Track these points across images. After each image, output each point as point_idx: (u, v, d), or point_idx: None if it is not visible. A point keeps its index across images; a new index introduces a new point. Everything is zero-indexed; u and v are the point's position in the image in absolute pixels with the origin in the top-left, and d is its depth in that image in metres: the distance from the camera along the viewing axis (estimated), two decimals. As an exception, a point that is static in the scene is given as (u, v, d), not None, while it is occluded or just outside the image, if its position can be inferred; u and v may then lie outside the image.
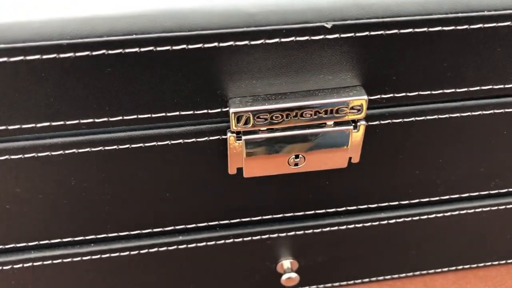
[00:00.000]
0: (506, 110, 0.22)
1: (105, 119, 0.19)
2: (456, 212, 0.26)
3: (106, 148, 0.21)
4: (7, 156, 0.20)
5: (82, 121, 0.19)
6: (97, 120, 0.19)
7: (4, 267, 0.23)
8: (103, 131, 0.20)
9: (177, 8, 0.18)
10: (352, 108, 0.20)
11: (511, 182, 0.25)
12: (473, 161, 0.24)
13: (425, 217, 0.26)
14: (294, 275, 0.27)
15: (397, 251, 0.27)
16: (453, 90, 0.21)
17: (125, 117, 0.19)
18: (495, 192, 0.26)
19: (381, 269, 0.28)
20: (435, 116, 0.22)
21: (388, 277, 0.29)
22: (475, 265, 0.30)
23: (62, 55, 0.17)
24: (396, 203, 0.25)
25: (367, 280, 0.29)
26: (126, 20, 0.18)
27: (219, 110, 0.20)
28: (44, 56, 0.17)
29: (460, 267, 0.29)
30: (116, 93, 0.19)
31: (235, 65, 0.19)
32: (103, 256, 0.24)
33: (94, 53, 0.18)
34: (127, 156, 0.21)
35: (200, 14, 0.18)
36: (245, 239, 0.24)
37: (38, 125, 0.19)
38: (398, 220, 0.26)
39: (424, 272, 0.29)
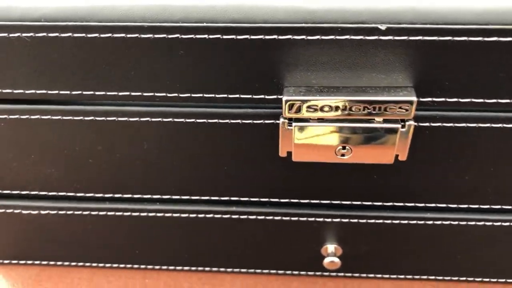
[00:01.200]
0: None
1: (175, 94, 0.22)
2: (507, 224, 0.25)
3: (175, 120, 0.23)
4: (92, 117, 0.23)
5: (156, 94, 0.22)
6: (168, 95, 0.22)
7: (84, 212, 0.27)
8: (174, 105, 0.23)
9: (244, 3, 0.20)
10: (401, 107, 0.21)
11: None
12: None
13: (473, 223, 0.26)
14: (336, 259, 0.28)
15: (442, 253, 0.28)
16: (508, 100, 0.21)
17: (192, 95, 0.22)
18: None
19: (424, 268, 0.29)
20: (488, 125, 0.22)
21: (432, 277, 0.29)
22: (528, 281, 0.29)
23: (142, 36, 0.20)
24: (444, 205, 0.25)
25: (410, 276, 0.30)
26: (199, 9, 0.20)
27: (275, 96, 0.22)
28: (128, 35, 0.20)
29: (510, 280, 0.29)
30: (186, 73, 0.21)
31: (292, 57, 0.20)
32: (166, 215, 0.27)
33: (170, 36, 0.20)
34: (192, 129, 0.23)
35: (264, 9, 0.20)
36: (292, 218, 0.26)
37: (120, 93, 0.22)
38: (444, 222, 0.26)
39: (470, 279, 0.29)
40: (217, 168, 0.25)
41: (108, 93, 0.22)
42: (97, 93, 0.22)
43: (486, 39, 0.19)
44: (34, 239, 0.30)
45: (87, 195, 0.27)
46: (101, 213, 0.27)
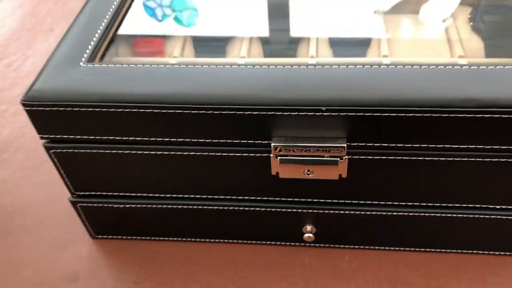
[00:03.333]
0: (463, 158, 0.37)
1: (209, 140, 0.38)
2: (426, 214, 0.42)
3: (210, 154, 0.40)
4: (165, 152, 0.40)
5: (192, 139, 0.39)
6: (200, 140, 0.38)
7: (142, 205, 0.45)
8: (204, 145, 0.39)
9: (248, 93, 0.36)
10: (338, 149, 0.37)
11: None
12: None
13: (395, 213, 0.42)
14: (312, 235, 0.45)
15: (383, 231, 0.44)
16: (400, 144, 0.36)
17: (219, 140, 0.38)
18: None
19: (373, 240, 0.45)
20: (387, 157, 0.37)
21: (382, 248, 0.46)
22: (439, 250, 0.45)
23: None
24: (376, 202, 0.42)
25: (363, 247, 0.46)
26: (219, 97, 0.36)
27: (268, 141, 0.38)
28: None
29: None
30: (212, 130, 0.38)
31: (277, 122, 0.36)
32: (196, 207, 0.44)
33: (201, 112, 0.36)
34: (218, 159, 0.40)
35: (258, 99, 0.36)
36: (278, 210, 0.43)
37: (178, 139, 0.39)
38: (376, 213, 0.42)
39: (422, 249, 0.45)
40: (234, 179, 0.41)
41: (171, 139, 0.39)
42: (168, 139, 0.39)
43: (385, 114, 0.35)
44: (127, 222, 0.47)
45: (161, 195, 0.44)
46: (169, 206, 0.45)
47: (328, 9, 0.52)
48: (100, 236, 0.50)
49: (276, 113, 0.36)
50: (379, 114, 0.35)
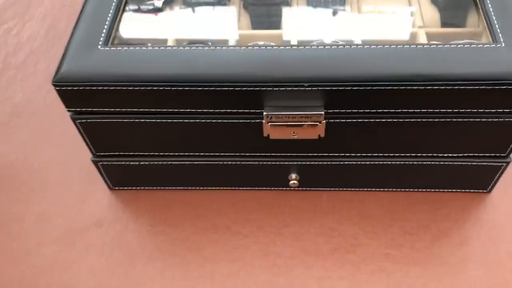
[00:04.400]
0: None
1: (212, 110, 0.47)
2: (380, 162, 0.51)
3: (213, 121, 0.48)
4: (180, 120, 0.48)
5: (198, 110, 0.47)
6: (208, 110, 0.47)
7: (154, 162, 0.53)
8: (211, 115, 0.47)
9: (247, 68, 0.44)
10: (316, 115, 0.45)
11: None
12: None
13: (361, 163, 0.52)
14: (296, 182, 0.54)
15: (354, 175, 0.54)
16: (367, 110, 0.45)
17: (221, 110, 0.47)
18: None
19: (347, 183, 0.55)
20: (354, 120, 0.46)
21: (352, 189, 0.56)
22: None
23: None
24: (347, 154, 0.51)
25: (337, 188, 0.56)
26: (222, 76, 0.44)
27: (261, 110, 0.46)
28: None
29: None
30: (215, 104, 0.46)
31: (268, 95, 0.44)
32: (201, 163, 0.53)
33: (204, 89, 0.44)
34: (221, 125, 0.48)
35: (254, 76, 0.44)
36: (269, 163, 0.52)
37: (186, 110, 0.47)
38: (348, 162, 0.52)
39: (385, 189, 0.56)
40: (233, 140, 0.50)
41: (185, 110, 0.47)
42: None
43: (353, 88, 0.43)
44: (141, 176, 0.56)
45: (171, 154, 0.53)
46: (177, 162, 0.53)
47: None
48: (117, 188, 0.59)
49: (267, 88, 0.44)
50: (349, 88, 0.43)
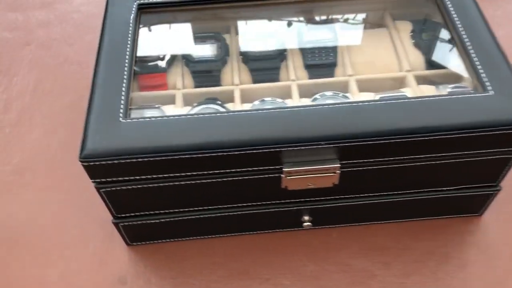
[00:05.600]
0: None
1: (231, 170, 0.49)
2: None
3: (222, 179, 0.51)
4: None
5: (218, 171, 0.50)
6: (225, 171, 0.49)
7: (173, 219, 0.56)
8: (224, 173, 0.50)
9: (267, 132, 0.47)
10: (333, 168, 0.49)
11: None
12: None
13: (374, 201, 0.56)
14: (310, 223, 0.58)
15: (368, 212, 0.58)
16: (377, 159, 0.50)
17: (248, 169, 0.49)
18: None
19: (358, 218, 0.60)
20: (369, 167, 0.51)
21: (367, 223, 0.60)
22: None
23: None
24: (359, 195, 0.55)
25: (348, 224, 0.60)
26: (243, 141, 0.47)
27: (280, 166, 0.49)
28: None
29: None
30: (236, 163, 0.49)
31: (287, 155, 0.48)
32: (218, 214, 0.56)
33: (233, 153, 0.47)
34: (246, 182, 0.51)
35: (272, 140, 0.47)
36: (284, 208, 0.56)
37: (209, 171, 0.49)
38: (364, 202, 0.56)
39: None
40: (251, 192, 0.53)
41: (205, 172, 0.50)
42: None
43: (365, 143, 0.47)
44: (157, 230, 0.58)
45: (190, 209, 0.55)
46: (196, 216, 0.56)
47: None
48: (135, 243, 0.60)
49: (286, 149, 0.47)
50: (362, 143, 0.47)
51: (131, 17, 0.58)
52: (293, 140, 0.47)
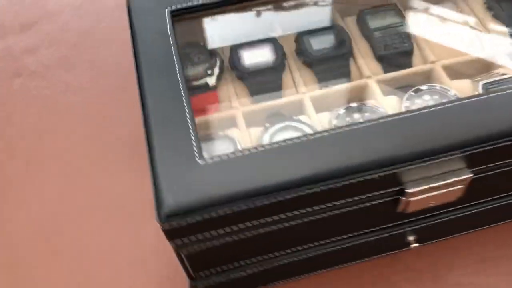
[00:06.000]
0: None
1: (340, 202, 0.40)
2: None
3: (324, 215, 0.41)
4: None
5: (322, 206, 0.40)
6: (333, 204, 0.40)
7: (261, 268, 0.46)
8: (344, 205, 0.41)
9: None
10: (463, 180, 0.40)
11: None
12: None
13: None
14: (416, 244, 0.49)
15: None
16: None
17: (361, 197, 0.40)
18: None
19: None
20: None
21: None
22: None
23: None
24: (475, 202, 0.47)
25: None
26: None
27: (400, 188, 0.40)
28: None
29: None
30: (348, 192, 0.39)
31: (409, 173, 0.39)
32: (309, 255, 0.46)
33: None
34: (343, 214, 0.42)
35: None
36: (391, 234, 0.47)
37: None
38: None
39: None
40: (363, 222, 0.44)
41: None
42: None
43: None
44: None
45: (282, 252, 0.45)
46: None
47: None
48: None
49: (408, 167, 0.38)
50: (497, 145, 0.39)
51: (167, 27, 0.47)
52: (416, 155, 0.38)
